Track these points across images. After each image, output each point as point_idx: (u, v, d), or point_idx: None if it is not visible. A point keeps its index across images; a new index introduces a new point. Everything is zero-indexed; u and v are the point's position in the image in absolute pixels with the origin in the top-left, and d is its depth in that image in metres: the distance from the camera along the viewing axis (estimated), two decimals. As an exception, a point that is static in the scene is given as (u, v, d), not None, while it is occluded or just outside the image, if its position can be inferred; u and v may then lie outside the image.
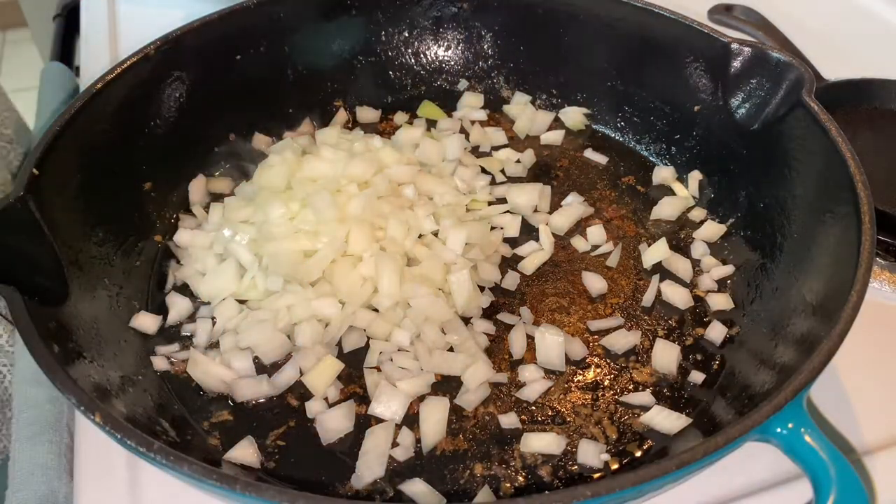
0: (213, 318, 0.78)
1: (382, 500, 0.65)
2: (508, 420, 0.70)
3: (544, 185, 0.92)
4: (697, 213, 0.90)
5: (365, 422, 0.70)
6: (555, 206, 0.91)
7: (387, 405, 0.70)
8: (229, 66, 0.93)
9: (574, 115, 1.01)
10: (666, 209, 0.90)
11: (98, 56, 1.16)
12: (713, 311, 0.80)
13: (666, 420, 0.69)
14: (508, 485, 0.66)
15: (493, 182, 0.94)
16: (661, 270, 0.84)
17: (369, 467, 0.66)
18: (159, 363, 0.74)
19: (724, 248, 0.86)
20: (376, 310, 0.77)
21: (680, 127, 0.94)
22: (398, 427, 0.69)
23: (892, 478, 0.70)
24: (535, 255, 0.85)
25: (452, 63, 1.05)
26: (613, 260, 0.85)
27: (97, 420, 0.53)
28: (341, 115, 1.02)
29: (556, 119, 1.02)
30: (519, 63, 1.04)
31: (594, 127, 1.02)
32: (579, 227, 0.89)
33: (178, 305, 0.79)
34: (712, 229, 0.87)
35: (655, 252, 0.84)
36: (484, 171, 0.95)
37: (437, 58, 1.05)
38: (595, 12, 0.95)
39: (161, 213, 0.87)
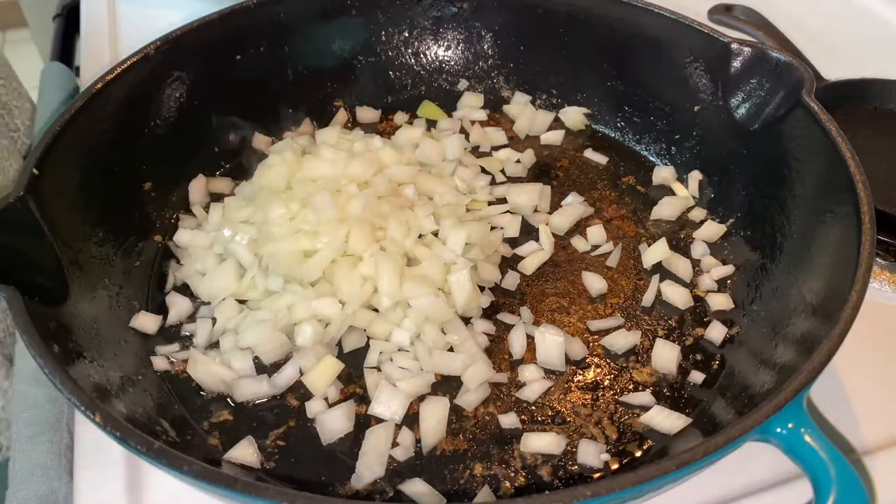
0: (213, 318, 0.78)
1: (382, 500, 0.65)
2: (508, 420, 0.70)
3: (544, 185, 0.92)
4: (697, 213, 0.90)
5: (365, 422, 0.70)
6: (555, 206, 0.91)
7: (387, 405, 0.70)
8: (229, 66, 0.93)
9: (574, 115, 1.01)
10: (666, 209, 0.90)
11: (98, 56, 1.16)
12: (713, 311, 0.80)
13: (666, 420, 0.69)
14: (508, 485, 0.66)
15: (493, 182, 0.94)
16: (661, 270, 0.84)
17: (369, 467, 0.66)
18: (159, 363, 0.74)
19: (724, 248, 0.86)
20: (376, 310, 0.77)
21: (680, 127, 0.94)
22: (398, 427, 0.69)
23: (892, 478, 0.70)
24: (535, 255, 0.85)
25: (452, 63, 1.05)
26: (613, 260, 0.85)
27: (97, 420, 0.53)
28: (341, 115, 1.02)
29: (556, 119, 1.03)
30: (519, 63, 1.04)
31: (594, 127, 1.02)
32: (579, 227, 0.89)
33: (178, 305, 0.79)
34: (712, 229, 0.87)
35: (655, 252, 0.84)
36: (484, 171, 0.95)
37: (437, 58, 1.05)
38: (595, 12, 0.95)
39: (161, 213, 0.87)
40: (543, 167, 0.97)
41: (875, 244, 0.63)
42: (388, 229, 0.80)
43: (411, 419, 0.70)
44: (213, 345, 0.76)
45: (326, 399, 0.72)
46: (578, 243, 0.87)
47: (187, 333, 0.77)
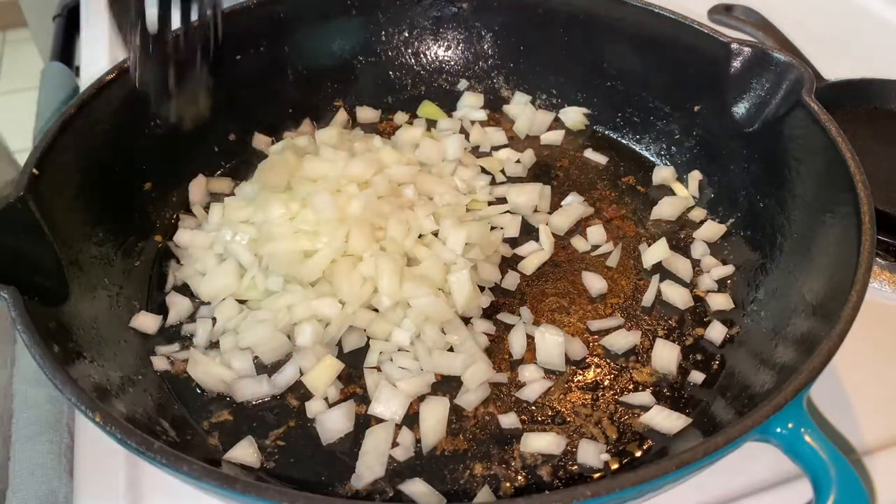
0: (213, 318, 0.78)
1: (382, 500, 0.65)
2: (508, 420, 0.70)
3: (544, 185, 0.92)
4: (697, 213, 0.90)
5: (365, 422, 0.70)
6: (555, 206, 0.91)
7: (387, 405, 0.70)
8: (229, 66, 0.93)
9: (574, 115, 1.01)
10: (666, 209, 0.90)
11: (98, 56, 1.16)
12: (713, 311, 0.80)
13: (666, 420, 0.69)
14: (508, 485, 0.66)
15: (493, 182, 0.94)
16: (661, 270, 0.84)
17: (369, 467, 0.66)
18: (159, 363, 0.74)
19: (724, 248, 0.86)
20: (376, 310, 0.77)
21: (680, 127, 0.94)
22: (398, 427, 0.69)
23: (892, 478, 0.70)
24: (535, 255, 0.85)
25: (452, 63, 1.05)
26: (613, 260, 0.85)
27: (97, 420, 0.53)
28: (341, 115, 1.02)
29: (556, 119, 1.02)
30: (519, 63, 1.04)
31: (594, 127, 1.02)
32: (579, 227, 0.89)
33: (178, 305, 0.79)
34: (712, 229, 0.87)
35: (655, 252, 0.84)
36: (484, 171, 0.95)
37: (437, 58, 1.05)
38: (595, 12, 0.95)
39: (161, 213, 0.87)
40: (543, 167, 0.97)
41: (875, 244, 0.63)
42: (388, 229, 0.81)
43: (411, 419, 0.70)
44: (213, 345, 0.76)
45: (326, 399, 0.72)
46: (578, 243, 0.87)
47: (187, 333, 0.77)
